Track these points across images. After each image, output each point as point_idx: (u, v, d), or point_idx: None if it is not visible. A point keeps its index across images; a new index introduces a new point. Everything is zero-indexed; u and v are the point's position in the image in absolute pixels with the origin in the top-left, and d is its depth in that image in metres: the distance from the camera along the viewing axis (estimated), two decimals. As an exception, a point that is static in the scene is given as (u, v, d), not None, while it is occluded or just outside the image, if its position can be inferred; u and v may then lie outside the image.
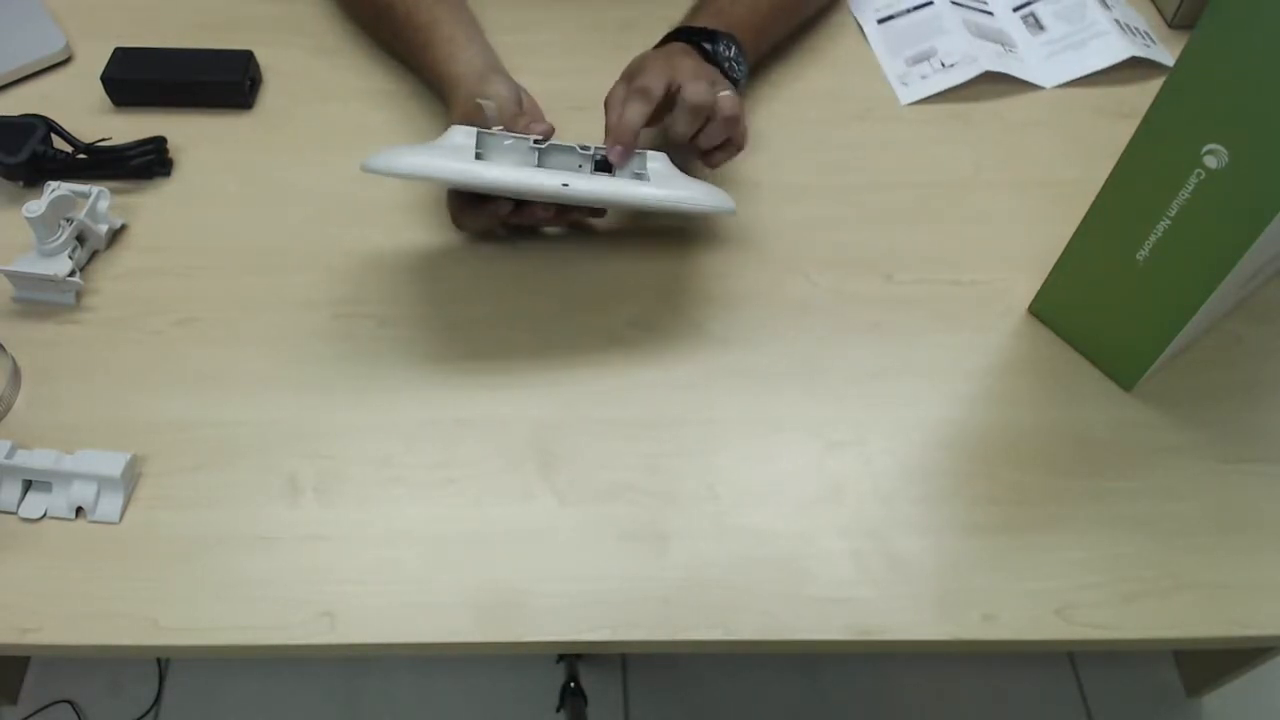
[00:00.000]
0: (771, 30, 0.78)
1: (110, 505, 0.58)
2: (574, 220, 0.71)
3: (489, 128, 0.63)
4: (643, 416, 0.63)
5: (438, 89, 0.73)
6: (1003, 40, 0.85)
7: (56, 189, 0.66)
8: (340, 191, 0.73)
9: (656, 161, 0.64)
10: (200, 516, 0.58)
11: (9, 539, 0.57)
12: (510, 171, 0.61)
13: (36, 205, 0.64)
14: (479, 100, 0.66)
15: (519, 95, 0.69)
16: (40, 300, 0.67)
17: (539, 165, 0.63)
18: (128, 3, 0.84)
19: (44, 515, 0.58)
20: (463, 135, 0.62)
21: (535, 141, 0.63)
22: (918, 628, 0.56)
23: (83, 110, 0.76)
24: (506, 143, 0.63)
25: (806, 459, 0.62)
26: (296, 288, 0.68)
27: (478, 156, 0.61)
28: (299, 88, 0.80)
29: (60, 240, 0.65)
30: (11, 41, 0.80)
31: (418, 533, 0.58)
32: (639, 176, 0.64)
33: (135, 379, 0.63)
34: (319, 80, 0.80)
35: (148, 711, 1.12)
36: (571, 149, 0.64)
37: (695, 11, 0.75)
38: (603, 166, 0.64)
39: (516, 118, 0.66)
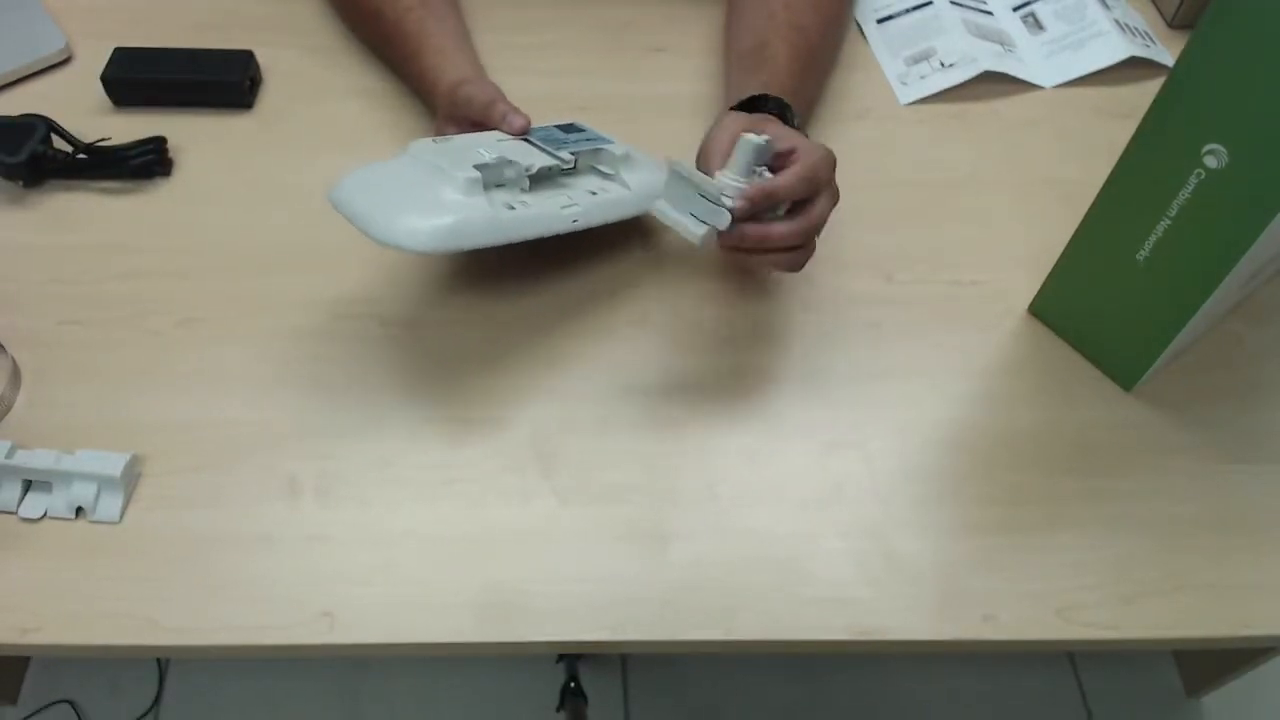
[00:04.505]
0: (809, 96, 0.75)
1: (110, 505, 0.58)
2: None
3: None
4: (642, 417, 0.63)
5: (423, 97, 0.74)
6: (1002, 40, 0.85)
7: None
8: (340, 191, 0.73)
9: (617, 146, 0.66)
10: (200, 516, 0.58)
11: (9, 539, 0.57)
12: (531, 223, 0.60)
13: None
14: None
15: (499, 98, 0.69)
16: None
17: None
18: (128, 3, 0.84)
19: (44, 515, 0.58)
20: (434, 155, 0.59)
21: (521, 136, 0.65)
22: (918, 628, 0.56)
23: (83, 110, 0.76)
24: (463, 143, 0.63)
25: (806, 459, 0.62)
26: (296, 288, 0.68)
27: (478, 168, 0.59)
28: (299, 88, 0.80)
29: None
30: (11, 41, 0.80)
31: (418, 533, 0.58)
32: (607, 176, 0.67)
33: (135, 379, 0.63)
34: (319, 80, 0.80)
35: (148, 711, 1.12)
36: (543, 151, 0.64)
37: (745, 75, 0.69)
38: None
39: (493, 104, 0.65)
